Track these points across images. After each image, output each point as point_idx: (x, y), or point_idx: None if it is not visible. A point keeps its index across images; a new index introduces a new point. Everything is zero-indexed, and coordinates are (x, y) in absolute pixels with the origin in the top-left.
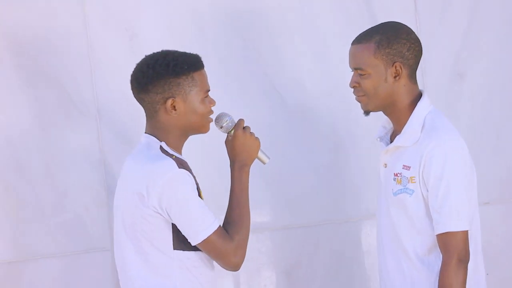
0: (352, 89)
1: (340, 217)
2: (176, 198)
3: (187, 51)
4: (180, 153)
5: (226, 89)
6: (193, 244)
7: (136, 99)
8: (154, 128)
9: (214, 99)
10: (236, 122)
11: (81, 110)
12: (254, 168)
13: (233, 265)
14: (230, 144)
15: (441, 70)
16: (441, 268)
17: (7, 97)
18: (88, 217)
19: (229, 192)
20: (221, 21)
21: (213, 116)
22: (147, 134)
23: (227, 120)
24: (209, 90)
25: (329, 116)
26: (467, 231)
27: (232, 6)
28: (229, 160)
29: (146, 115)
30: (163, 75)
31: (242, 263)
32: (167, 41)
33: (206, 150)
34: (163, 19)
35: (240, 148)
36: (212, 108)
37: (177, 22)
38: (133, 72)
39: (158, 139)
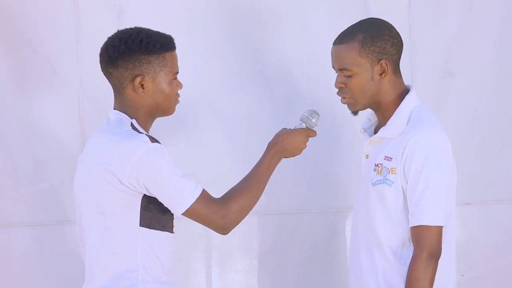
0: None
1: (318, 207)
2: (153, 171)
3: (175, 30)
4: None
5: (211, 71)
6: (176, 215)
7: (104, 73)
8: (123, 105)
9: (199, 81)
10: (314, 125)
11: (64, 81)
12: (237, 151)
13: (220, 228)
14: (289, 131)
15: (431, 68)
16: (411, 261)
17: None
18: (63, 189)
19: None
20: (211, 3)
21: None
22: (116, 111)
23: (318, 119)
24: (177, 73)
25: (313, 106)
26: (442, 227)
27: None
28: (271, 141)
29: (113, 91)
30: (135, 51)
31: (231, 227)
32: (155, 19)
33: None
34: None
35: (293, 141)
36: (179, 91)
37: (167, 2)
38: (104, 45)
39: (129, 116)
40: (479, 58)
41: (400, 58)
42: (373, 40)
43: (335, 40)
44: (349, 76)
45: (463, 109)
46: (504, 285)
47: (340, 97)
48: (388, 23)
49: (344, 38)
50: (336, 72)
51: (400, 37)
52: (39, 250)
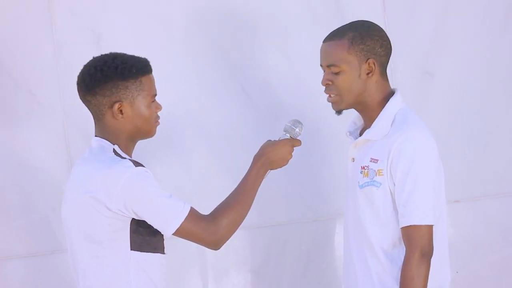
0: (324, 88)
1: (309, 217)
2: (139, 195)
3: (154, 51)
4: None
5: (193, 90)
6: (167, 236)
7: (82, 101)
8: (104, 131)
9: (181, 99)
10: (297, 134)
11: (48, 111)
12: (224, 167)
13: (212, 244)
14: (274, 143)
15: (411, 70)
16: (403, 261)
17: None
18: (54, 218)
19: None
20: (189, 22)
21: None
22: (98, 138)
23: (301, 128)
24: (156, 95)
25: (297, 115)
26: (432, 226)
27: (199, 7)
28: (256, 154)
29: (93, 118)
30: (111, 78)
31: (222, 243)
32: (134, 42)
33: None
34: (130, 21)
35: (278, 152)
36: (159, 112)
37: (145, 23)
38: (80, 73)
39: (110, 142)
40: (457, 57)
41: (388, 62)
42: (363, 38)
43: (325, 37)
44: (337, 73)
45: (445, 108)
46: (499, 279)
47: (327, 96)
48: (379, 26)
49: (334, 36)
50: (324, 70)
51: (390, 41)
52: (34, 281)
